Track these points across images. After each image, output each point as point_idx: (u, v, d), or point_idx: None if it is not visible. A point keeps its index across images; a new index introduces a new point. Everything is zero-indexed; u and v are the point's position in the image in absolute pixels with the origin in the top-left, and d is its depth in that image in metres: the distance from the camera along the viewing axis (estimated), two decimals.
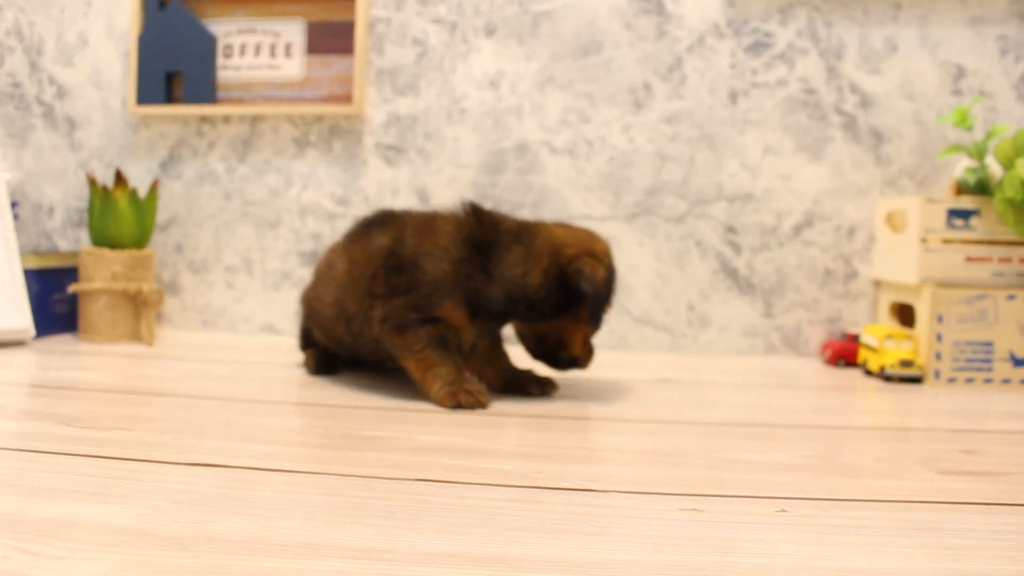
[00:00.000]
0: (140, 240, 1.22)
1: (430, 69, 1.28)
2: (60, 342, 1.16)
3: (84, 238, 1.36)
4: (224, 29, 1.30)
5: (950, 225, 1.06)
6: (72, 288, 1.17)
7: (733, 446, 0.69)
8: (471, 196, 1.27)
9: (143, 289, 1.17)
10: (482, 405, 0.81)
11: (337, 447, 0.65)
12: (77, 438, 0.64)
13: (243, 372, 0.97)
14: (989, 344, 1.04)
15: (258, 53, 1.30)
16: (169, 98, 1.31)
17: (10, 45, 1.18)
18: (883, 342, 1.06)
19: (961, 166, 1.11)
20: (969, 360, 1.04)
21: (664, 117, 1.24)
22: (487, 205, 1.26)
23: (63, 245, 1.37)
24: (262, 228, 1.32)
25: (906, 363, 1.04)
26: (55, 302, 1.22)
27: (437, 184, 1.28)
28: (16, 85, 1.19)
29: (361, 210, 1.29)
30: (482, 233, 0.85)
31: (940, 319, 1.04)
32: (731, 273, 1.24)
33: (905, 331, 1.07)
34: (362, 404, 0.82)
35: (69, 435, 0.65)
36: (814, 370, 1.12)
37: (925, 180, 1.21)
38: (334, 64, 1.28)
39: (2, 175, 1.17)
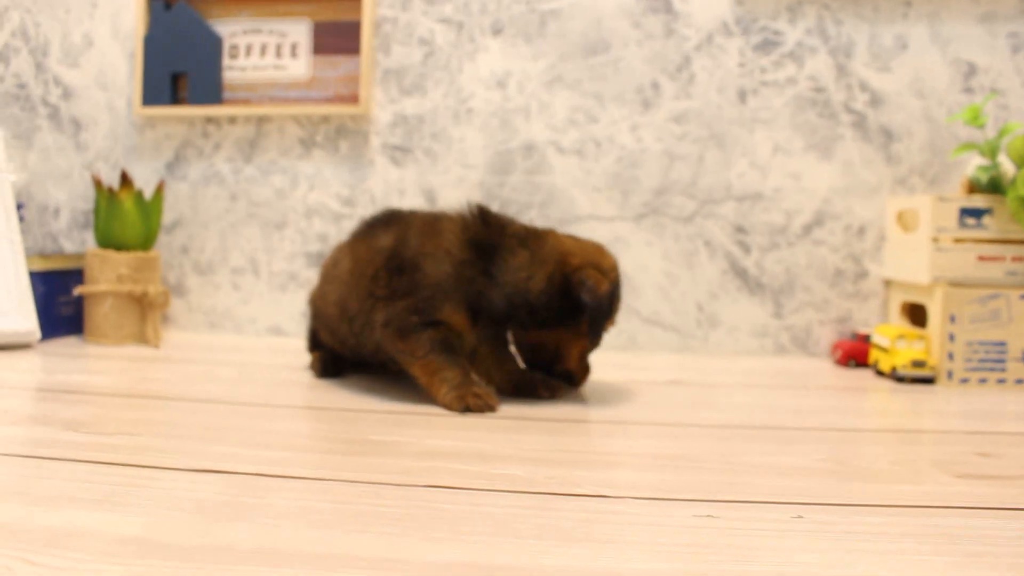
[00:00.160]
0: (146, 242, 1.21)
1: (437, 69, 1.27)
2: (66, 344, 1.15)
3: (90, 240, 1.35)
4: (230, 29, 1.30)
5: (962, 224, 1.04)
6: (78, 290, 1.17)
7: (746, 449, 0.68)
8: (478, 196, 1.26)
9: (149, 291, 1.17)
10: (491, 408, 0.80)
11: (345, 452, 0.64)
12: (82, 443, 0.63)
13: (249, 375, 0.97)
14: (1002, 344, 1.03)
15: (264, 53, 1.29)
16: (175, 99, 1.30)
17: (16, 46, 1.18)
18: (895, 342, 1.05)
19: (973, 164, 1.09)
20: (982, 360, 1.03)
21: (672, 116, 1.23)
22: (494, 205, 1.25)
23: (69, 247, 1.36)
24: (268, 229, 1.31)
25: (918, 363, 1.03)
26: (61, 304, 1.21)
27: (444, 184, 1.27)
28: (22, 86, 1.19)
29: (368, 211, 1.28)
30: (487, 235, 0.84)
31: (952, 319, 1.03)
32: (740, 273, 1.23)
33: (917, 331, 1.06)
34: (369, 408, 0.81)
35: (74, 440, 0.64)
36: (825, 371, 1.11)
37: (936, 179, 1.20)
38: (340, 64, 1.27)
39: (7, 176, 1.17)
